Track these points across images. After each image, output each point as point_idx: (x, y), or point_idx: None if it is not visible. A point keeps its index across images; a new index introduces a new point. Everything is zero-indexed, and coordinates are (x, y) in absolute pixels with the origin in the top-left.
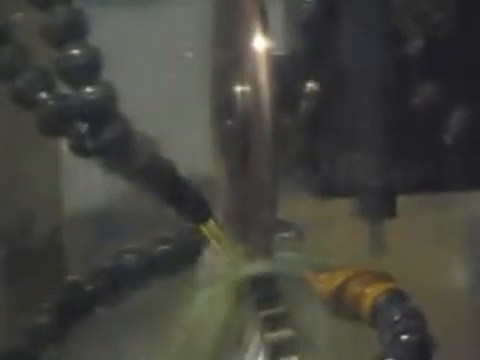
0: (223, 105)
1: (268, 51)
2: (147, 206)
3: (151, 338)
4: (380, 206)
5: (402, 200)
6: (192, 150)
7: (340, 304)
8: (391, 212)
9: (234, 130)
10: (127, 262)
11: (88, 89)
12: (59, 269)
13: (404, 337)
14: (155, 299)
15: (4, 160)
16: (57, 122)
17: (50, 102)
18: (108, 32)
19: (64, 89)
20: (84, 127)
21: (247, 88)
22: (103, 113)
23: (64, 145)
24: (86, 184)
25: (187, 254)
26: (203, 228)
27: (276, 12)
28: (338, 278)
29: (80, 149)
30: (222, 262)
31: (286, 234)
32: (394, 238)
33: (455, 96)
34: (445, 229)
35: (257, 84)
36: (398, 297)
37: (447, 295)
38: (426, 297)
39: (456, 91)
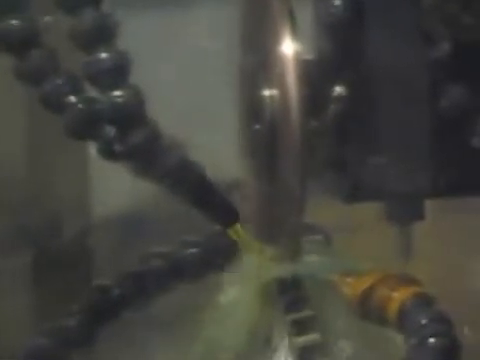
0: (251, 109)
1: (296, 55)
2: (175, 209)
3: (178, 341)
4: (408, 210)
5: (430, 203)
6: (220, 153)
7: (367, 308)
8: (419, 216)
9: (262, 134)
10: (154, 265)
11: (116, 92)
12: (87, 272)
13: (431, 341)
14: (182, 303)
15: (32, 163)
16: (85, 126)
17: (78, 106)
18: (135, 35)
19: (92, 93)
20: (112, 131)
21: (275, 92)
22: (131, 117)
23: (92, 148)
24: (114, 187)
25: (214, 257)
26: (230, 231)
27: (304, 15)
28: (365, 282)
29: (108, 153)
30: (249, 265)
31: (314, 238)
32: (422, 242)
33: None
34: (473, 232)
35: (285, 88)
36: (425, 301)
37: (476, 298)
38: (454, 301)
39: None
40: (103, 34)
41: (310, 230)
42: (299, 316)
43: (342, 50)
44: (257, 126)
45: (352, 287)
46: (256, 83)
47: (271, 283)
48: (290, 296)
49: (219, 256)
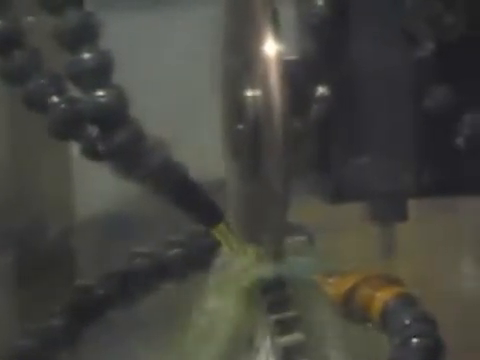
0: (234, 109)
1: (279, 55)
2: (158, 209)
3: (162, 341)
4: (391, 210)
5: (413, 203)
6: (203, 153)
7: (350, 307)
8: (403, 216)
9: (245, 134)
10: (138, 265)
11: (99, 92)
12: (70, 272)
13: (414, 341)
14: (166, 303)
15: (15, 163)
16: (68, 126)
17: (61, 106)
18: (118, 35)
19: (75, 93)
20: (95, 131)
21: (258, 92)
22: (114, 117)
23: (75, 149)
24: (97, 187)
25: (198, 257)
26: (214, 231)
27: (287, 16)
28: (348, 282)
29: (91, 153)
30: (233, 265)
31: (297, 238)
32: (405, 242)
33: (467, 99)
34: (457, 233)
35: (268, 88)
36: (408, 301)
37: (459, 299)
38: (437, 301)
39: (468, 94)
40: (86, 34)
41: (294, 230)
42: (282, 316)
43: (325, 50)
44: (240, 126)
45: (335, 287)
46: (239, 84)
47: (254, 283)
48: (273, 296)
49: (203, 256)
